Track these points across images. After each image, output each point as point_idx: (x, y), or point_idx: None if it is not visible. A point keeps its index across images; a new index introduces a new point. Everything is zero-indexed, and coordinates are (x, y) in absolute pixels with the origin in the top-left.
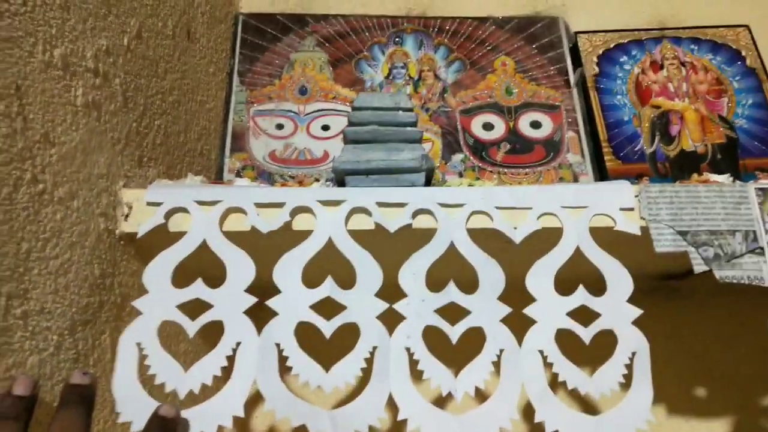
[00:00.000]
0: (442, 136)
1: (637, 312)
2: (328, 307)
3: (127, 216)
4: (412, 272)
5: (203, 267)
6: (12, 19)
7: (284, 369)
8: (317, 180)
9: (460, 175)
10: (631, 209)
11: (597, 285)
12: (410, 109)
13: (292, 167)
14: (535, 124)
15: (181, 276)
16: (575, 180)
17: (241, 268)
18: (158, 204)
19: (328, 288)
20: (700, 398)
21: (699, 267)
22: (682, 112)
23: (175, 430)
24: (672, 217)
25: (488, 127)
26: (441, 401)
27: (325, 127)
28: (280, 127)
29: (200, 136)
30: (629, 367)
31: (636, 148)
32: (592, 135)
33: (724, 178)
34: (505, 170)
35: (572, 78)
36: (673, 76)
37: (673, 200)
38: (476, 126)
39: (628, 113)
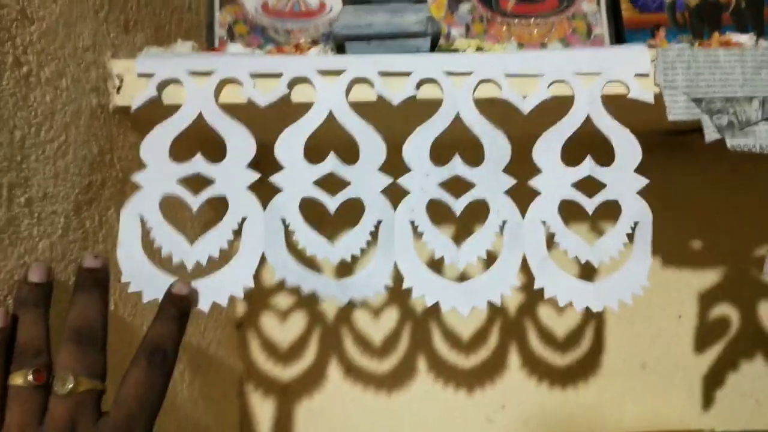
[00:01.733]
0: None
1: (643, 182)
2: (331, 182)
3: (119, 89)
4: (416, 146)
5: (203, 138)
6: None
7: (291, 245)
8: (315, 43)
9: (467, 28)
10: (646, 75)
11: (605, 153)
12: None
13: (286, 20)
14: None
15: (181, 149)
16: (588, 31)
17: (241, 142)
18: (150, 75)
19: (331, 164)
20: (695, 250)
21: (711, 135)
22: None
23: (189, 308)
24: (688, 83)
25: None
26: (445, 271)
27: None
28: None
29: None
30: (630, 236)
31: None
32: None
33: (747, 38)
34: (515, 20)
35: None
36: None
37: (691, 65)
38: None
39: None
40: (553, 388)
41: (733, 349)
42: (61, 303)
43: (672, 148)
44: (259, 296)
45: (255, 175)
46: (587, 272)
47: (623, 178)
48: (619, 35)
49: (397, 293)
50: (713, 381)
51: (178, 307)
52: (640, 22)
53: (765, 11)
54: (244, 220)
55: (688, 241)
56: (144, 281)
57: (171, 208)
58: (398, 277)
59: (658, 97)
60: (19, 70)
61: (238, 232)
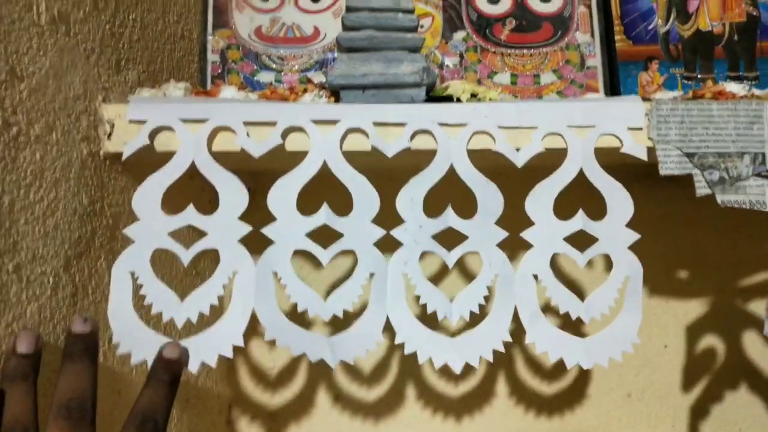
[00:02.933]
0: (443, 10)
1: (634, 236)
2: (324, 234)
3: (110, 135)
4: (410, 198)
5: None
6: None
7: (281, 296)
8: (309, 82)
9: (461, 56)
10: (640, 129)
11: (597, 206)
12: (411, 11)
13: (280, 46)
14: None
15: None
16: (582, 62)
17: (233, 194)
18: (141, 122)
19: (324, 215)
20: (682, 280)
21: (702, 190)
22: None
23: (180, 372)
24: (681, 138)
25: None
26: (437, 324)
27: None
28: None
29: (179, 17)
30: (621, 291)
31: (649, 27)
32: (605, 10)
33: (740, 88)
34: (509, 51)
35: None
36: None
37: (684, 120)
38: None
39: None
40: (540, 417)
41: (718, 379)
42: (49, 365)
43: (661, 178)
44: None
45: (247, 228)
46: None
47: (615, 233)
48: (612, 67)
49: (387, 322)
50: (698, 411)
51: (169, 372)
52: (633, 54)
53: (756, 45)
54: (235, 273)
55: (674, 272)
56: (134, 342)
57: (163, 252)
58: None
59: (651, 150)
60: (8, 132)
61: (228, 285)
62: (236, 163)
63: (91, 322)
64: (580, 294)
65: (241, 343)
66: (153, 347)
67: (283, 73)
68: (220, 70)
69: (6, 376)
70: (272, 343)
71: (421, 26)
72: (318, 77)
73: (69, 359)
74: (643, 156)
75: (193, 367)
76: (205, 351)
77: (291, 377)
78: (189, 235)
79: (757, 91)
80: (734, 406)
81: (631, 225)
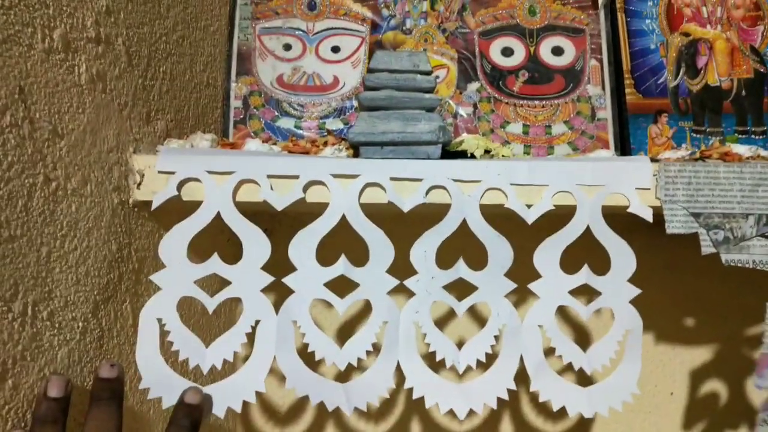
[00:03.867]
0: (458, 62)
1: (635, 291)
2: (341, 284)
3: (139, 184)
4: (423, 250)
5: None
6: (7, 15)
7: (297, 336)
8: (330, 134)
9: (475, 106)
10: (648, 189)
11: (602, 262)
12: (429, 72)
13: (300, 94)
14: (557, 51)
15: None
16: (593, 114)
17: (257, 245)
18: (170, 173)
19: (342, 266)
20: (688, 328)
21: (707, 249)
22: (712, 42)
23: (200, 418)
24: (688, 198)
25: (507, 52)
26: (445, 370)
27: (335, 49)
28: (287, 47)
29: (205, 66)
30: (622, 343)
31: (659, 81)
32: (615, 64)
33: (746, 150)
34: (522, 102)
35: None
36: None
37: (691, 181)
38: (495, 51)
39: (655, 41)
40: None
41: (723, 426)
42: (77, 406)
43: None
44: None
45: (269, 279)
46: None
47: (617, 288)
48: (623, 119)
49: (400, 390)
50: None
51: (190, 417)
52: (643, 107)
53: (764, 100)
54: (257, 322)
55: (681, 320)
56: (162, 387)
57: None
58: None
59: (658, 209)
60: (48, 187)
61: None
62: (255, 206)
63: (117, 367)
64: (587, 338)
65: (263, 389)
66: (180, 391)
67: (302, 120)
68: (242, 116)
69: (37, 419)
70: (282, 378)
71: (437, 77)
72: (336, 124)
73: (96, 403)
74: (649, 218)
75: (219, 411)
76: (230, 397)
77: (301, 413)
78: (212, 281)
79: (763, 152)
80: None
81: (639, 272)
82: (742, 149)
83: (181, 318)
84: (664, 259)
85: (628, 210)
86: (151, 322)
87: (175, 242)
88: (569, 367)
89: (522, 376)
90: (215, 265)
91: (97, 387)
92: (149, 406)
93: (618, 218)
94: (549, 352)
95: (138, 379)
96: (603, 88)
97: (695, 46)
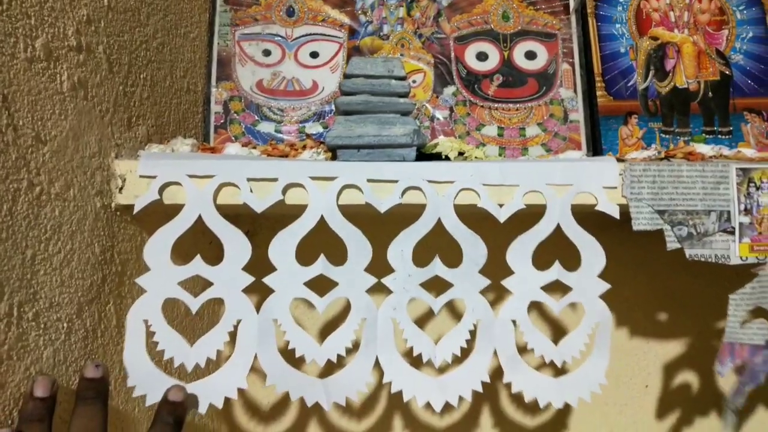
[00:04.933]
0: (435, 67)
1: (605, 286)
2: (320, 283)
3: (121, 188)
4: (400, 249)
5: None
6: None
7: (278, 334)
8: (308, 137)
9: (451, 110)
10: (614, 187)
11: (573, 258)
12: (403, 78)
13: (280, 99)
14: (530, 55)
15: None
16: (565, 116)
17: (238, 247)
18: (151, 177)
19: (321, 266)
20: (662, 322)
21: (672, 245)
22: (679, 45)
23: (184, 414)
24: (653, 196)
25: (482, 57)
26: (424, 366)
27: (314, 54)
28: (267, 53)
29: (186, 72)
30: (591, 336)
31: (629, 84)
32: (587, 67)
33: (708, 149)
34: (497, 105)
35: (572, 1)
36: (675, 3)
37: (656, 180)
38: (470, 56)
39: (625, 44)
40: None
41: (696, 417)
42: (62, 404)
43: None
44: None
45: (249, 279)
46: None
47: (588, 283)
48: (594, 121)
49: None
50: None
51: (174, 414)
52: (614, 109)
53: (730, 101)
54: (239, 321)
55: (654, 314)
56: (148, 385)
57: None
58: (378, 368)
59: (626, 207)
60: (32, 192)
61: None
62: (236, 208)
63: (102, 368)
64: (561, 329)
65: (245, 386)
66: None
67: (282, 124)
68: (223, 121)
69: (24, 418)
70: (265, 376)
71: (414, 81)
72: (315, 128)
73: (82, 402)
74: (616, 214)
75: (201, 408)
76: (212, 394)
77: (284, 411)
78: (195, 282)
79: (725, 152)
80: None
81: (611, 268)
82: (705, 149)
83: (165, 319)
84: (637, 256)
85: (596, 208)
86: (137, 323)
87: (159, 245)
88: (545, 363)
89: (501, 371)
90: (198, 266)
91: (82, 386)
92: (134, 405)
93: (590, 216)
94: (525, 346)
95: (123, 377)
96: (575, 91)
97: (663, 50)
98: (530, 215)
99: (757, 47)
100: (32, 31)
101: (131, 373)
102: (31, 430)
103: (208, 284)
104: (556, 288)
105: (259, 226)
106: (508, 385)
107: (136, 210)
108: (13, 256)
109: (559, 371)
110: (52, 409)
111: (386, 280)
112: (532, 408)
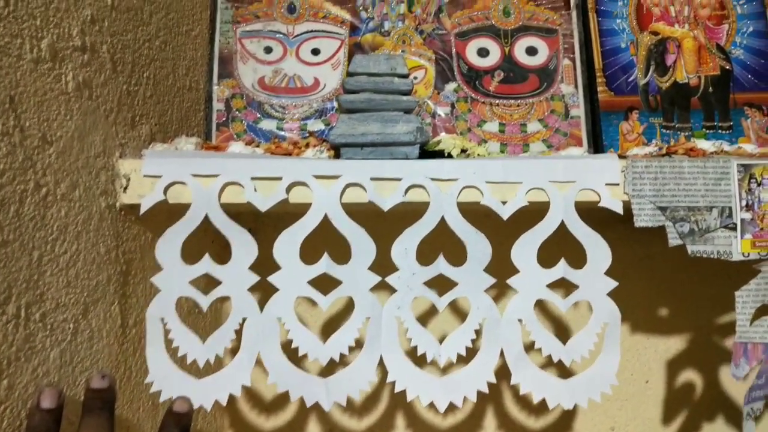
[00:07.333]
0: (436, 63)
1: (612, 284)
2: (324, 281)
3: (125, 188)
4: (404, 247)
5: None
6: None
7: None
8: (311, 135)
9: (453, 106)
10: (617, 184)
11: (578, 256)
12: (406, 75)
13: (281, 96)
14: (531, 51)
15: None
16: (566, 112)
17: (244, 246)
18: (156, 176)
19: (325, 264)
20: (663, 318)
21: (673, 241)
22: (680, 40)
23: (189, 424)
24: (654, 193)
25: (483, 53)
26: (427, 364)
27: (315, 51)
28: (268, 50)
29: (188, 70)
30: (600, 335)
31: (630, 79)
32: (588, 63)
33: (710, 145)
34: (497, 101)
35: None
36: None
37: (657, 176)
38: (471, 52)
39: (625, 40)
40: None
41: (697, 412)
42: (67, 406)
43: None
44: None
45: (255, 278)
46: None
47: (594, 281)
48: (595, 116)
49: (382, 384)
50: None
51: (179, 425)
52: (614, 104)
53: (730, 96)
54: (244, 320)
55: (656, 310)
56: (166, 382)
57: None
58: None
59: (628, 203)
60: (38, 193)
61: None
62: (239, 206)
63: (108, 378)
64: (566, 329)
65: (248, 383)
66: (181, 386)
67: (284, 122)
68: (224, 118)
69: (31, 431)
70: (267, 371)
71: (415, 78)
72: (317, 125)
73: (89, 413)
74: (619, 210)
75: (207, 403)
76: (217, 390)
77: (287, 404)
78: (198, 281)
79: (726, 147)
80: None
81: (613, 265)
82: (706, 145)
83: (179, 317)
84: (639, 251)
85: (599, 204)
86: (155, 321)
87: (169, 245)
88: (551, 362)
89: (506, 371)
90: (207, 265)
91: (89, 397)
92: (134, 412)
93: (593, 213)
94: (530, 345)
95: (127, 378)
96: (576, 87)
97: (664, 45)
98: (533, 213)
99: (757, 42)
100: (38, 32)
101: (152, 370)
102: None
103: (211, 282)
104: (559, 286)
105: (262, 224)
106: (511, 384)
107: (142, 210)
108: (20, 258)
109: (563, 370)
110: (59, 420)
111: (390, 279)
112: (536, 409)
